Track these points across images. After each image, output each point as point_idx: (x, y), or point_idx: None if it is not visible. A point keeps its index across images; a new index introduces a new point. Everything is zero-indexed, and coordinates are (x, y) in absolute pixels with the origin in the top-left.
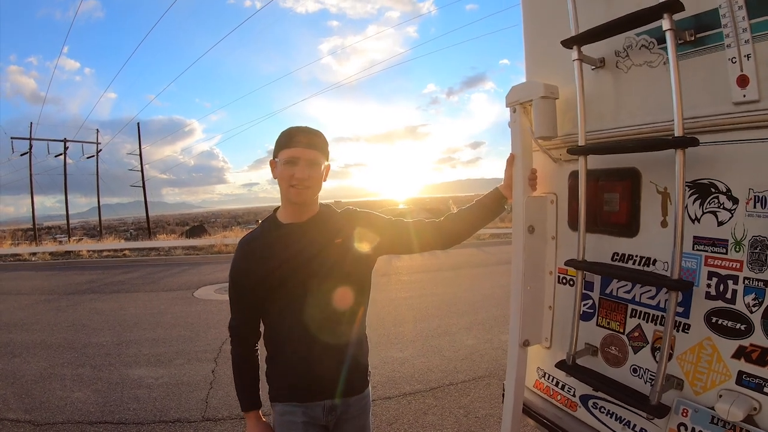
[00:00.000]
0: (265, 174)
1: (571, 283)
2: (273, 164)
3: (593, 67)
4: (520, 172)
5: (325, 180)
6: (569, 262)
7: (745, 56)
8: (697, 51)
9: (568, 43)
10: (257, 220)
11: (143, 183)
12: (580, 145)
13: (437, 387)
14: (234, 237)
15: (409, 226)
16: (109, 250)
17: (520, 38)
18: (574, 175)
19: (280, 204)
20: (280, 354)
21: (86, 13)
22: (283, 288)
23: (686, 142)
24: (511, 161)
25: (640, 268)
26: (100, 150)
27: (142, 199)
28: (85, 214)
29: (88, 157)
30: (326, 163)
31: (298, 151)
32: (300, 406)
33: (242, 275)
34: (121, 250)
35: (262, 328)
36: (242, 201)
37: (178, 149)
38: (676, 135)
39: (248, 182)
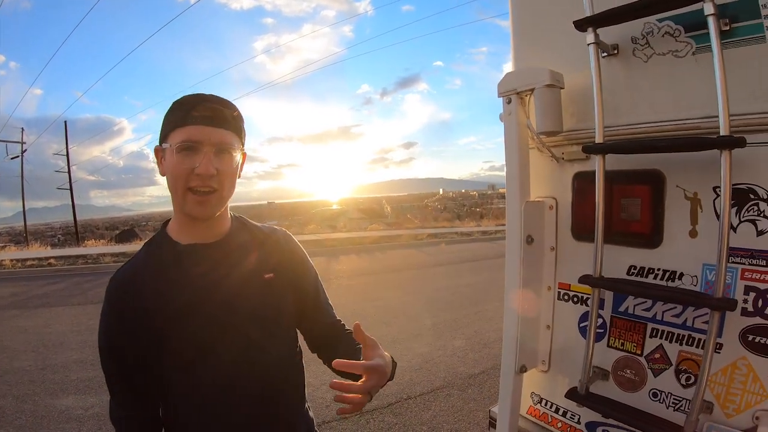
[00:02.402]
0: None
1: (575, 299)
2: (159, 153)
3: (605, 54)
4: (516, 174)
5: (239, 177)
6: (584, 279)
7: None
8: (732, 42)
9: (582, 25)
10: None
11: (70, 185)
12: (597, 142)
13: (395, 402)
14: None
15: (329, 314)
16: (33, 259)
17: (453, 41)
18: (580, 177)
19: (170, 219)
20: None
21: (12, 2)
22: (191, 348)
23: (734, 142)
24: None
25: (663, 283)
26: (25, 150)
27: (70, 203)
28: (11, 219)
29: (12, 158)
30: (243, 150)
31: (200, 130)
32: None
33: (123, 334)
34: (47, 258)
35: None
36: None
37: (107, 149)
38: (722, 134)
39: None
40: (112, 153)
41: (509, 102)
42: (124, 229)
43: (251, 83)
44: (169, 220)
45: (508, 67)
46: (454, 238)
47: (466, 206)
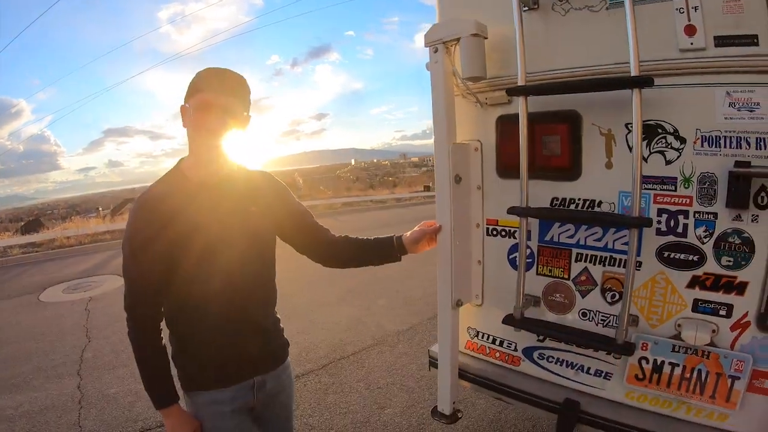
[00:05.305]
0: (102, 156)
1: (503, 234)
2: (184, 110)
3: (526, 8)
4: (443, 117)
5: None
6: (512, 210)
7: (692, 8)
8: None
9: None
10: (125, 200)
11: None
12: (520, 85)
13: (329, 363)
14: (75, 228)
15: (315, 227)
16: None
17: (365, 10)
18: (503, 120)
19: (184, 157)
20: (197, 334)
21: None
22: (198, 256)
23: (643, 81)
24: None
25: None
26: None
27: None
28: None
29: None
30: (246, 113)
31: (213, 96)
32: (228, 390)
33: (147, 243)
34: None
35: None
36: (79, 188)
37: (5, 134)
38: (633, 75)
39: (84, 167)
40: (10, 138)
41: (436, 51)
42: (29, 220)
43: (156, 55)
44: (183, 159)
45: (420, 37)
46: (369, 206)
47: (379, 176)
